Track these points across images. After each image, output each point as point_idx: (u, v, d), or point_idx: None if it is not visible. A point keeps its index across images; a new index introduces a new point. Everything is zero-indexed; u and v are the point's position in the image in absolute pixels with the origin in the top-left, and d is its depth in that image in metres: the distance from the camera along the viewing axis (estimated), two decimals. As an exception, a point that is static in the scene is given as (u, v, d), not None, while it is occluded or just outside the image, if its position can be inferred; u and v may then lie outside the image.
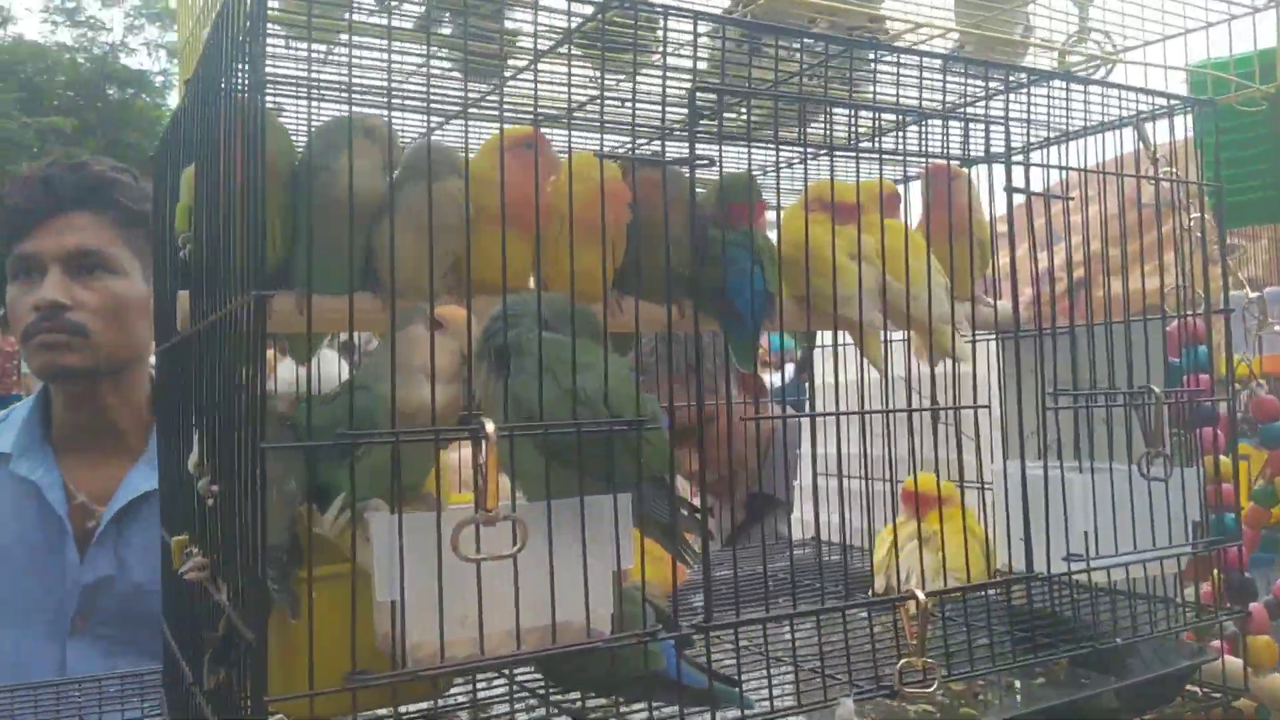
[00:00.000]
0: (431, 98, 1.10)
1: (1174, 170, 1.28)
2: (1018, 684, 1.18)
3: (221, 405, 0.81)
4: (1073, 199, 1.10)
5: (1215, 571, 1.26)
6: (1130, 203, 1.28)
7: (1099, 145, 1.28)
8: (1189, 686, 1.26)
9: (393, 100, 1.14)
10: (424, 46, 1.06)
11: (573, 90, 0.99)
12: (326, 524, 0.88)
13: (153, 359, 1.57)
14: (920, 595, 0.95)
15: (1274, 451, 1.50)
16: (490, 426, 0.75)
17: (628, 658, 0.86)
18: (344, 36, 1.08)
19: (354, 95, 1.05)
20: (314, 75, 1.06)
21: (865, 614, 1.15)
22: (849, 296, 1.04)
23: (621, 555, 0.82)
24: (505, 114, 1.01)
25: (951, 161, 1.29)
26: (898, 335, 1.29)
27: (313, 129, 1.10)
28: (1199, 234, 1.31)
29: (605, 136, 0.99)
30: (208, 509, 0.88)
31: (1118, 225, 1.40)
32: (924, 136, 1.10)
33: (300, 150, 1.08)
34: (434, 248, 1.03)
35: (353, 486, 0.75)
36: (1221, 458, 1.28)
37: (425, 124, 1.18)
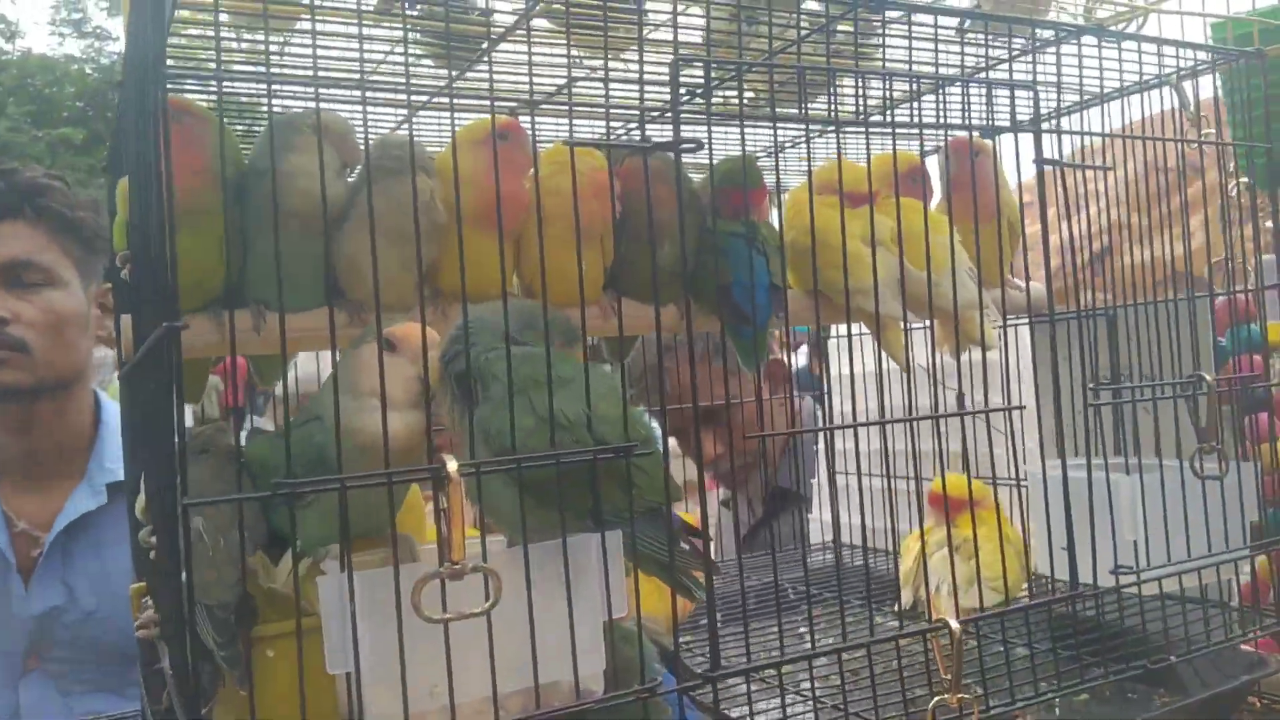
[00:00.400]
0: (396, 85, 1.00)
1: (1218, 131, 1.17)
2: (1058, 702, 1.07)
3: (151, 449, 0.71)
4: (1110, 169, 0.99)
5: (1273, 572, 1.15)
6: (1163, 168, 1.16)
7: (1125, 107, 1.16)
8: (1249, 699, 1.15)
9: (355, 90, 1.03)
10: (386, 29, 0.96)
11: (544, 73, 0.89)
12: (279, 577, 0.78)
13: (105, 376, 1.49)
14: (954, 624, 0.85)
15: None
16: (452, 465, 0.65)
17: (628, 713, 0.76)
18: (300, 24, 0.98)
19: (317, 89, 0.95)
20: (261, 67, 0.95)
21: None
22: (864, 289, 0.93)
23: (613, 602, 0.72)
24: (459, 103, 0.89)
25: (974, 134, 1.18)
26: (918, 323, 1.19)
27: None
28: (1242, 199, 1.19)
29: (585, 123, 0.88)
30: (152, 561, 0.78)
31: (1154, 191, 1.29)
32: (941, 106, 0.99)
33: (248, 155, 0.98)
34: (402, 254, 0.93)
35: (294, 541, 0.65)
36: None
37: (389, 117, 1.07)
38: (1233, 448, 1.10)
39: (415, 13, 0.96)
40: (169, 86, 0.67)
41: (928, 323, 1.19)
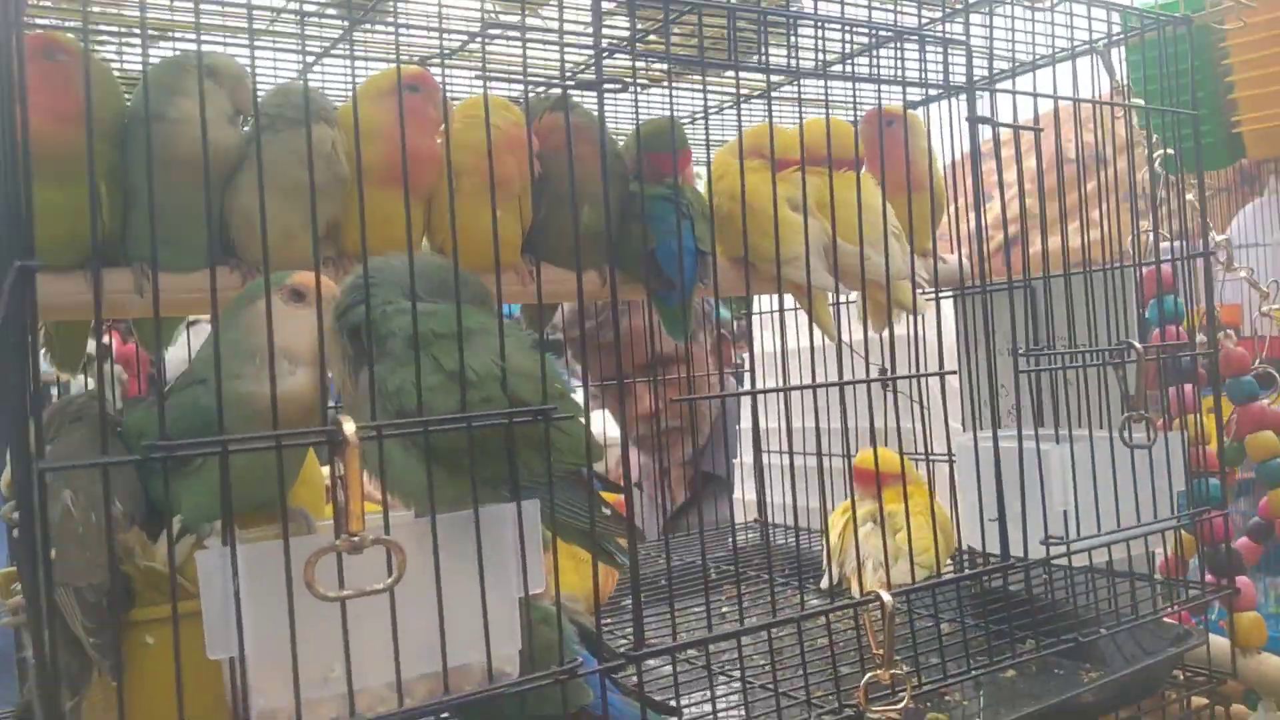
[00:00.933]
0: (291, 36, 0.92)
1: (1143, 100, 1.16)
2: (984, 680, 1.05)
3: (8, 409, 0.63)
4: (1042, 130, 0.96)
5: (1198, 542, 1.14)
6: (1081, 146, 1.15)
7: (1053, 75, 1.15)
8: (1173, 671, 1.14)
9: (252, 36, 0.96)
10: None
11: (457, 25, 0.83)
12: (159, 555, 0.70)
13: None
14: (886, 597, 0.81)
15: (1242, 408, 1.39)
16: (349, 428, 0.58)
17: (547, 697, 0.71)
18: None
19: (199, 34, 0.87)
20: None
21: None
22: (794, 257, 0.89)
23: (530, 577, 0.67)
24: (364, 56, 0.82)
25: (892, 103, 1.15)
26: (846, 295, 1.15)
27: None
28: (1158, 172, 1.18)
29: (500, 84, 0.82)
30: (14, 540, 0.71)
31: (1074, 166, 1.28)
32: (874, 66, 0.95)
33: (130, 99, 0.90)
34: (300, 209, 0.86)
35: (169, 508, 0.58)
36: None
37: (288, 68, 0.99)
38: (1161, 417, 1.09)
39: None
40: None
41: (855, 296, 1.16)
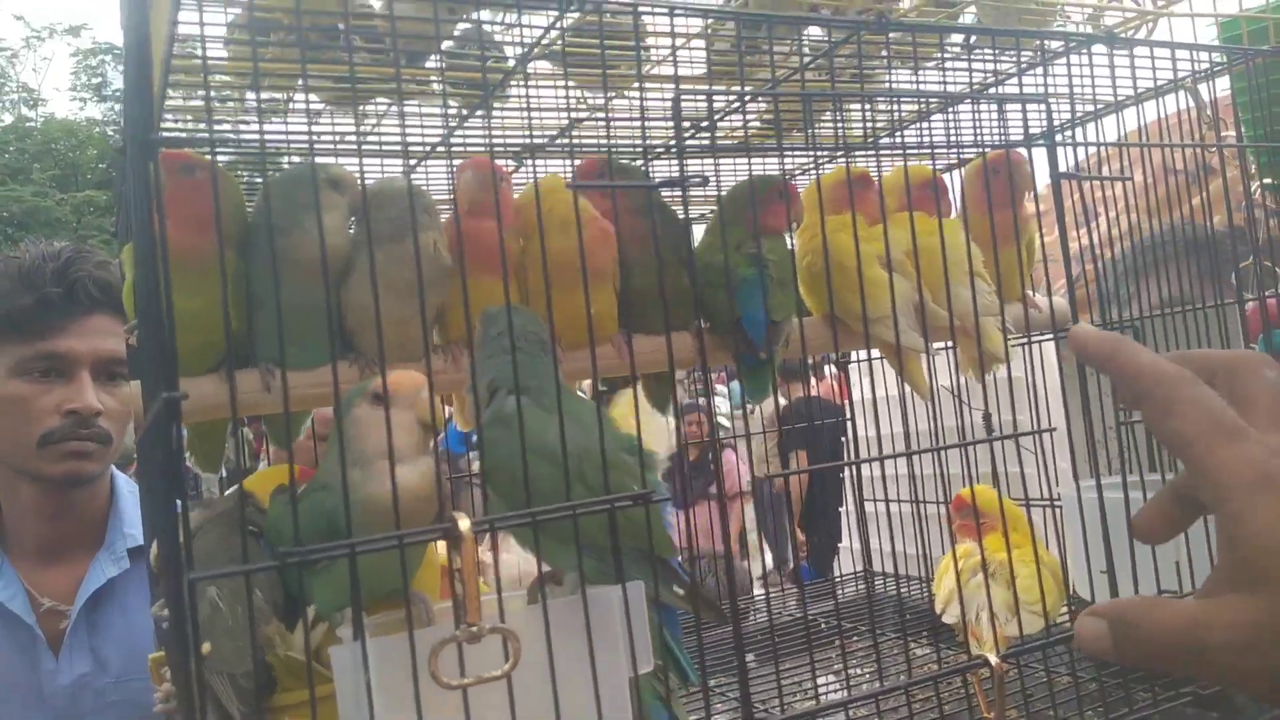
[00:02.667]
0: (394, 145, 0.98)
1: (1238, 132, 1.14)
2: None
3: (156, 521, 0.69)
4: (1129, 179, 0.96)
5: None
6: (1176, 170, 1.14)
7: (1140, 113, 1.14)
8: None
9: (359, 146, 1.03)
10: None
11: (547, 116, 0.87)
12: (297, 644, 0.76)
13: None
14: (994, 660, 0.81)
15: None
16: (464, 524, 0.63)
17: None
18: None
19: (312, 148, 0.94)
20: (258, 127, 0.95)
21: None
22: (883, 316, 0.90)
23: (638, 656, 0.70)
24: (460, 151, 0.88)
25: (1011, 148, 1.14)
26: (939, 345, 1.16)
27: (268, 184, 0.98)
28: (1267, 201, 1.16)
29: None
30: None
31: (1168, 195, 1.26)
32: (953, 124, 0.97)
33: (252, 210, 0.98)
34: (406, 305, 0.92)
35: (303, 612, 0.63)
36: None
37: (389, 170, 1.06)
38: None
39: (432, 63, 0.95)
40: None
41: (949, 344, 1.16)
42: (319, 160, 0.97)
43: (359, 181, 0.95)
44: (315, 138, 0.82)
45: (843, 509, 1.76)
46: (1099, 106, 1.16)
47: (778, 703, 0.81)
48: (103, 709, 1.37)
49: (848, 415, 1.53)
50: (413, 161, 1.00)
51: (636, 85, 0.78)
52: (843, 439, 1.83)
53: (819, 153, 0.81)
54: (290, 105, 1.01)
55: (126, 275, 0.94)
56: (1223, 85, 1.20)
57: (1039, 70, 1.02)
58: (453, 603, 0.63)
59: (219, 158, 1.03)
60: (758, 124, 0.96)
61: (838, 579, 1.56)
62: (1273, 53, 1.07)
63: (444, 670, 0.62)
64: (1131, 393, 0.48)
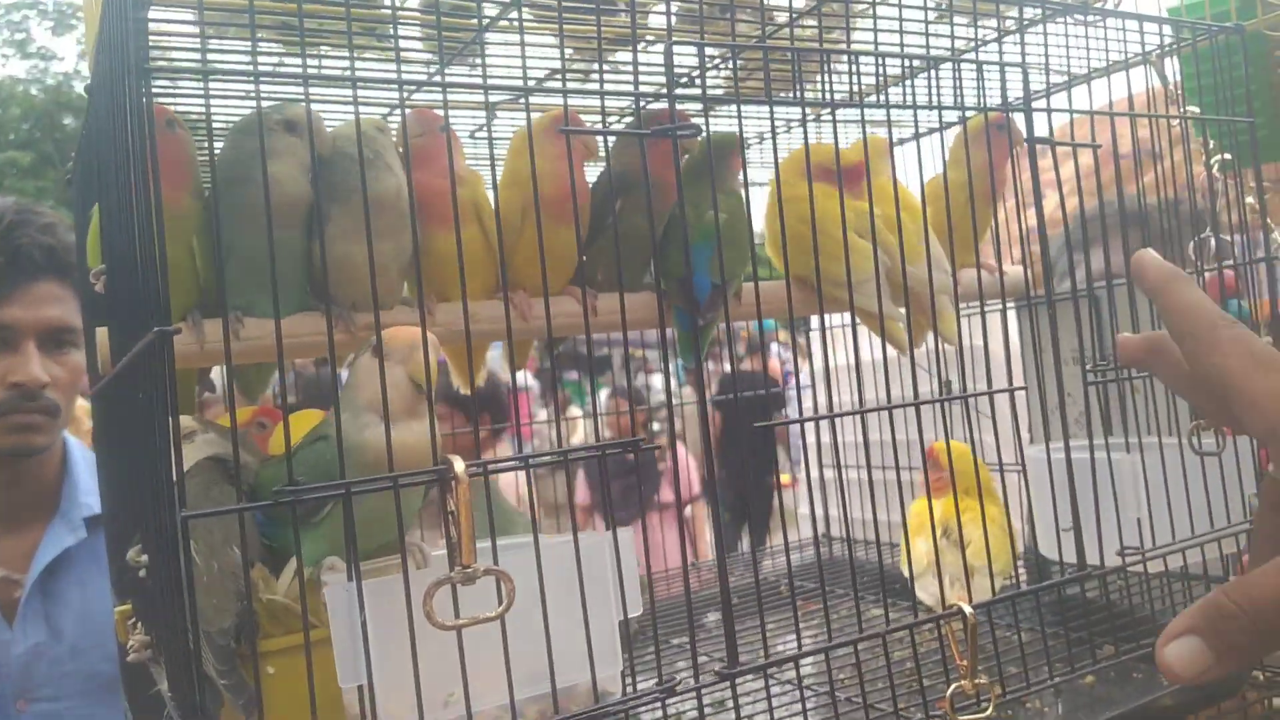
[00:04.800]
0: (388, 77, 0.96)
1: (1199, 108, 1.17)
2: (1063, 687, 1.06)
3: (142, 463, 0.68)
4: (1100, 146, 0.98)
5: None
6: (1131, 151, 1.16)
7: (1109, 87, 1.16)
8: (1252, 671, 1.15)
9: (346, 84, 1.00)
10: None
11: (536, 63, 0.86)
12: (282, 589, 0.75)
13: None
14: (968, 610, 0.83)
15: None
16: (459, 465, 0.62)
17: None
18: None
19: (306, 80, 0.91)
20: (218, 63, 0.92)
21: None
22: (865, 280, 0.91)
23: (627, 601, 0.70)
24: (451, 92, 0.86)
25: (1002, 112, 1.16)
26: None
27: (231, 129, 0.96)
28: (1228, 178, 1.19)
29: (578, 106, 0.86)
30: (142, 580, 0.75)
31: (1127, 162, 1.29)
32: (933, 88, 0.98)
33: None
34: (382, 251, 0.90)
35: (299, 550, 0.62)
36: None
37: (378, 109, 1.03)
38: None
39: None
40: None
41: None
42: (277, 102, 0.95)
43: (320, 122, 0.92)
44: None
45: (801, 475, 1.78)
46: (1068, 78, 1.18)
47: (763, 654, 0.82)
48: (58, 679, 1.34)
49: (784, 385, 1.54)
50: (397, 102, 0.99)
51: (627, 42, 0.78)
52: (780, 412, 1.85)
53: (806, 107, 0.82)
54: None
55: (93, 221, 0.92)
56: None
57: (1015, 38, 1.04)
58: (447, 546, 0.63)
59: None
60: (745, 79, 0.96)
61: (793, 545, 1.57)
62: (1234, 30, 1.10)
63: (439, 612, 0.62)
64: (1177, 328, 0.50)
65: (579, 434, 3.12)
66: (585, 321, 0.81)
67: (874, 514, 0.97)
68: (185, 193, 0.86)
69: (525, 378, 3.48)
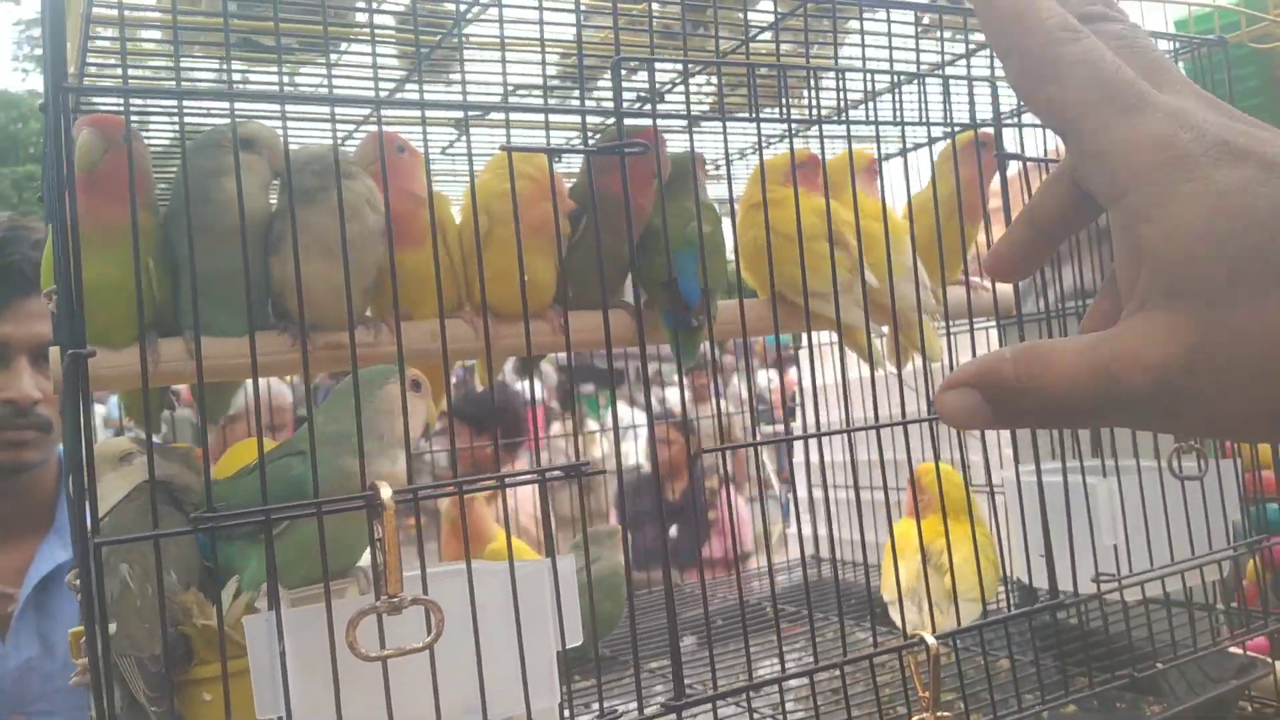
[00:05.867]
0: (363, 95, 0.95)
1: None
2: (1045, 715, 1.03)
3: (71, 483, 0.67)
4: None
5: (1259, 571, 1.12)
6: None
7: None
8: (1239, 703, 1.12)
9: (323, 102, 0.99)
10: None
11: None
12: (228, 613, 0.73)
13: None
14: (931, 640, 0.81)
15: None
16: (386, 493, 0.61)
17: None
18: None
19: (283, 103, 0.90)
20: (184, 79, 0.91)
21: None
22: (824, 292, 0.89)
23: (566, 631, 0.68)
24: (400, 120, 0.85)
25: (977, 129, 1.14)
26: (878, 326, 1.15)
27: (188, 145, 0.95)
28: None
29: (528, 133, 0.85)
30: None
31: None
32: (898, 105, 0.96)
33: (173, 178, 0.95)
34: (338, 273, 0.89)
35: (217, 574, 0.61)
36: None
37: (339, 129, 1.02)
38: (1211, 446, 1.07)
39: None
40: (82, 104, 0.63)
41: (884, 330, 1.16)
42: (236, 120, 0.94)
43: (278, 138, 0.92)
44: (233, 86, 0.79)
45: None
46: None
47: (711, 685, 0.80)
48: (50, 694, 1.34)
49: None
50: (350, 127, 0.98)
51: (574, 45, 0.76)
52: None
53: (760, 128, 0.80)
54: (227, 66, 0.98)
55: (46, 241, 0.91)
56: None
57: (987, 54, 1.02)
58: (372, 573, 0.61)
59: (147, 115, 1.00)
60: (708, 102, 0.95)
61: (779, 565, 1.55)
62: (1216, 43, 1.08)
63: (364, 643, 0.60)
64: (1001, 43, 0.35)
65: (597, 449, 3.10)
66: (567, 339, 0.80)
67: (860, 535, 0.95)
68: (137, 209, 0.85)
69: (540, 390, 3.48)
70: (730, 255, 1.13)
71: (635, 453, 3.05)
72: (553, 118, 0.95)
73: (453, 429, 0.72)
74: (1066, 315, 1.13)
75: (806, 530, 1.61)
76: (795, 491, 1.72)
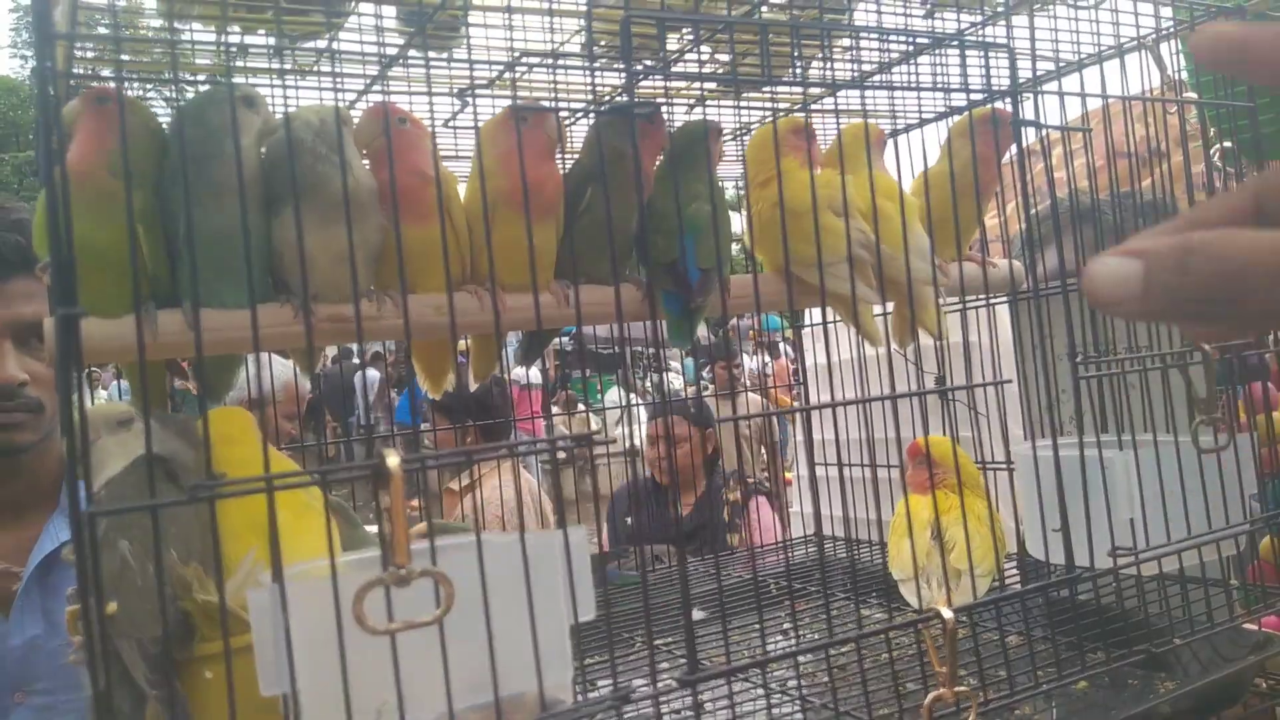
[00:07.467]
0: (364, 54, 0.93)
1: (1198, 93, 1.12)
2: (1055, 691, 1.02)
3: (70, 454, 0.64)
4: (1090, 129, 0.94)
5: (1275, 547, 1.10)
6: (1122, 156, 1.12)
7: (1101, 74, 1.12)
8: (1254, 679, 1.10)
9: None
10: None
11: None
12: (231, 591, 0.71)
13: None
14: (947, 614, 0.79)
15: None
16: (392, 460, 0.59)
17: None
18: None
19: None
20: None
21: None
22: (837, 261, 0.87)
23: (579, 603, 0.66)
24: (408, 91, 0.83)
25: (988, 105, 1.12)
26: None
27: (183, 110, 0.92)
28: (1220, 164, 1.15)
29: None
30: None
31: (1127, 162, 1.25)
32: (913, 73, 0.94)
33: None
34: (339, 244, 0.87)
35: (216, 548, 0.59)
36: (1275, 415, 1.12)
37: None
38: (1229, 420, 1.06)
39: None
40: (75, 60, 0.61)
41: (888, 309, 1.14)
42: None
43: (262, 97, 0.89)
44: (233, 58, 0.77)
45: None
46: (1061, 65, 1.14)
47: (725, 659, 0.78)
48: (55, 672, 1.32)
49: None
50: (352, 95, 0.95)
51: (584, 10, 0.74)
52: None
53: (774, 92, 0.78)
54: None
55: (38, 212, 0.89)
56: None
57: (1003, 23, 1.00)
58: (380, 544, 0.59)
59: (135, 90, 0.97)
60: (715, 67, 0.92)
61: (790, 541, 1.54)
62: (1233, 12, 1.06)
63: (372, 616, 0.58)
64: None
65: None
66: (578, 310, 0.78)
67: (859, 512, 0.93)
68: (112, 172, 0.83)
69: (528, 375, 3.44)
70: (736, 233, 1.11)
71: (629, 435, 2.99)
72: (560, 93, 0.93)
73: (434, 417, 0.69)
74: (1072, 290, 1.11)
75: (809, 509, 1.60)
76: (796, 469, 1.70)
